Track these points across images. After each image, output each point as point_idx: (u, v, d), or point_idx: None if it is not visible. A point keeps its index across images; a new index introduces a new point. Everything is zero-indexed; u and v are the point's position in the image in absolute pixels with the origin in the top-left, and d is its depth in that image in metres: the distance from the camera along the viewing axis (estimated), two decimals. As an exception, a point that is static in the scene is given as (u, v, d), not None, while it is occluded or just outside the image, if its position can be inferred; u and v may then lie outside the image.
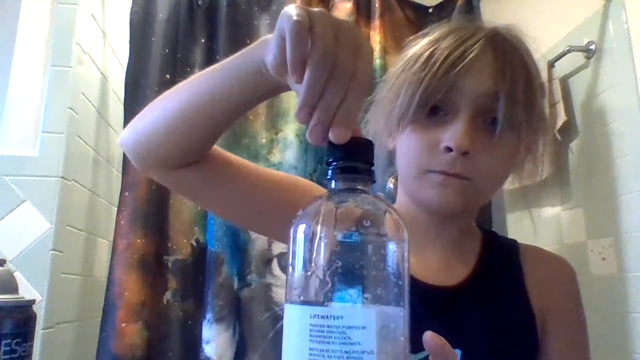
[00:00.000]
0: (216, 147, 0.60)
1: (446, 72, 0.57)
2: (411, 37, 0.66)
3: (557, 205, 1.40)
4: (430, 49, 0.60)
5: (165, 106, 0.56)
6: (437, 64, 0.57)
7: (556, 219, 1.40)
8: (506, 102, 0.57)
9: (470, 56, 0.57)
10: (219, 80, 0.52)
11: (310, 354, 0.31)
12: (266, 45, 0.45)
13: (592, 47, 1.26)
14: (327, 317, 0.31)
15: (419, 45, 0.62)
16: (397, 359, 0.32)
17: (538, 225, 1.48)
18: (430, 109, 0.59)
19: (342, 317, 0.31)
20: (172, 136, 0.56)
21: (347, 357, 0.30)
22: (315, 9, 0.39)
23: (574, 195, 1.34)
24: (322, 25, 0.38)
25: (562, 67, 1.36)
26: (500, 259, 0.68)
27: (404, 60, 0.63)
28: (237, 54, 0.51)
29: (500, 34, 0.61)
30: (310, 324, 0.31)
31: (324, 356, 0.31)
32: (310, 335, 0.31)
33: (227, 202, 0.64)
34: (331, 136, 0.36)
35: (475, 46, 0.58)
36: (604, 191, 1.22)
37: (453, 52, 0.58)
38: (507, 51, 0.60)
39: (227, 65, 0.51)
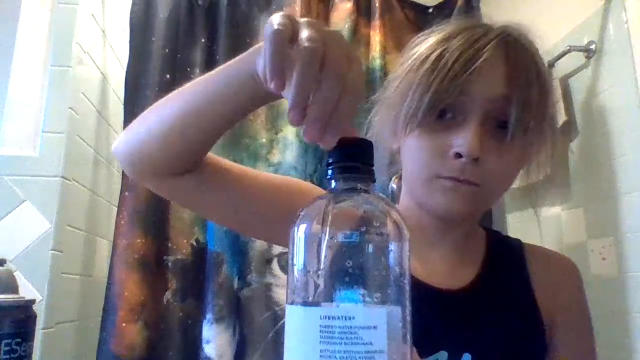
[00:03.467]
0: (211, 154, 0.59)
1: (457, 75, 0.55)
2: (417, 35, 0.64)
3: (557, 205, 1.40)
4: (440, 49, 0.57)
5: (162, 113, 0.55)
6: (448, 66, 0.55)
7: (556, 219, 1.40)
8: (518, 107, 0.55)
9: (482, 59, 0.55)
10: (215, 86, 0.51)
11: (321, 356, 0.31)
12: (259, 53, 0.44)
13: (592, 47, 1.26)
14: (338, 317, 0.31)
15: (426, 45, 0.60)
16: (405, 358, 0.33)
17: (538, 225, 1.48)
18: (439, 111, 0.57)
19: (353, 318, 0.31)
20: (169, 142, 0.55)
21: (359, 357, 0.30)
22: (303, 19, 0.39)
23: (574, 195, 1.34)
24: (308, 30, 0.37)
25: (562, 67, 1.35)
26: (506, 260, 0.67)
27: (411, 59, 0.61)
28: (232, 61, 0.50)
29: (511, 35, 0.59)
30: (320, 325, 0.31)
31: (335, 357, 0.30)
32: (320, 337, 0.31)
33: (224, 208, 0.62)
34: (322, 142, 0.35)
35: (487, 47, 0.56)
36: (604, 191, 1.21)
37: (464, 53, 0.56)
38: (520, 54, 0.58)
39: (223, 72, 0.51)
